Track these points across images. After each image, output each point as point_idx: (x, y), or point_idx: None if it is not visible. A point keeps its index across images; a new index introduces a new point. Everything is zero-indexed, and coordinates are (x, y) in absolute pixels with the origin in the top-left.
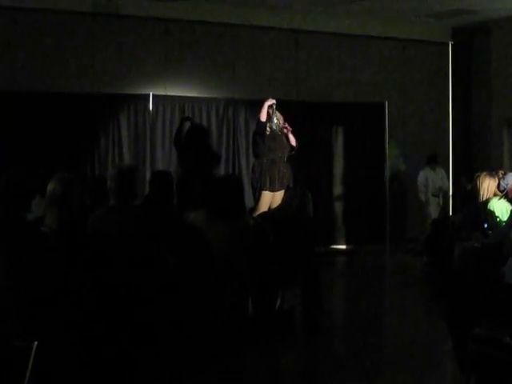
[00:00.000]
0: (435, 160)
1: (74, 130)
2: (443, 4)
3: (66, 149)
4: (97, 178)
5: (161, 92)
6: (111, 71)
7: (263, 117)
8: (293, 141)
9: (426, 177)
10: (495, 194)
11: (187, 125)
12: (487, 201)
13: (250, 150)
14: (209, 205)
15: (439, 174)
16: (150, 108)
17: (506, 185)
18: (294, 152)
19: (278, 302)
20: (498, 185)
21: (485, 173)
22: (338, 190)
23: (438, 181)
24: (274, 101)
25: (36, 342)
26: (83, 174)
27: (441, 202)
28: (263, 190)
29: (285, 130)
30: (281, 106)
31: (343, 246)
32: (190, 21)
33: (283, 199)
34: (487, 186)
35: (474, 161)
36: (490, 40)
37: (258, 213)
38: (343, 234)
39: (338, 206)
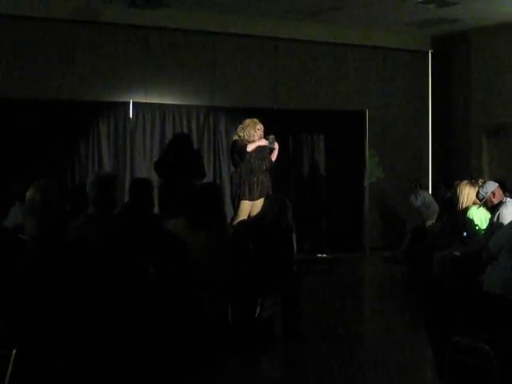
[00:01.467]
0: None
1: (53, 137)
2: (423, 13)
3: (45, 156)
4: (77, 186)
5: (141, 99)
6: (91, 79)
7: (249, 149)
8: (274, 157)
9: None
10: (474, 203)
11: None
12: (466, 209)
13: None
14: (188, 213)
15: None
16: (130, 115)
17: (485, 193)
18: (271, 164)
19: (258, 310)
20: (478, 193)
21: (465, 181)
22: (319, 197)
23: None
24: (268, 140)
25: (15, 350)
26: (63, 181)
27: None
28: (242, 199)
29: (274, 151)
30: (261, 114)
31: (323, 255)
32: (170, 28)
33: (262, 207)
34: (467, 194)
35: (454, 169)
36: (469, 48)
37: (237, 221)
38: (324, 242)
39: (320, 214)
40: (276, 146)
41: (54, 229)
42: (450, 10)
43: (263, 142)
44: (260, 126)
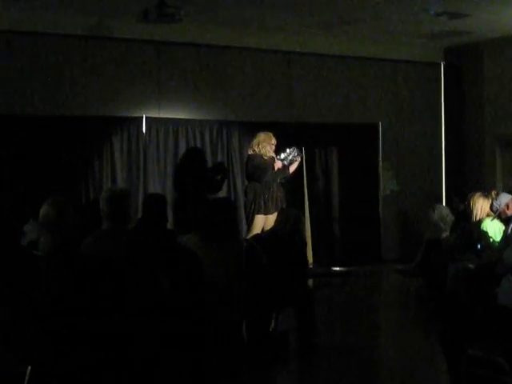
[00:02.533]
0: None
1: (67, 153)
2: (435, 25)
3: (59, 172)
4: (90, 201)
5: (154, 114)
6: (104, 94)
7: (277, 167)
8: (292, 169)
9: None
10: (488, 215)
11: None
12: (480, 221)
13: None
14: (202, 228)
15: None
16: (144, 130)
17: (499, 205)
18: (288, 176)
19: (272, 325)
20: (491, 205)
21: (478, 193)
22: (333, 211)
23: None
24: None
25: (30, 367)
26: (77, 197)
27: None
28: (257, 213)
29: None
30: (274, 128)
31: (338, 268)
32: (183, 43)
33: (276, 221)
34: (480, 206)
35: (467, 181)
36: (481, 60)
37: (251, 235)
38: (339, 255)
39: (334, 227)
40: (299, 158)
41: (68, 245)
42: (462, 21)
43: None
44: (274, 141)
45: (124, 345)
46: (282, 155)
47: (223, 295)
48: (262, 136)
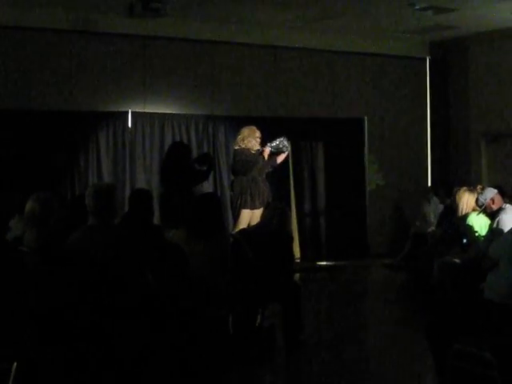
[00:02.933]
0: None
1: (52, 148)
2: (420, 20)
3: (44, 167)
4: (76, 197)
5: (140, 109)
6: (89, 88)
7: (266, 156)
8: (280, 159)
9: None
10: (474, 209)
11: None
12: (466, 216)
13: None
14: (188, 223)
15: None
16: (129, 125)
17: (485, 200)
18: (276, 165)
19: (258, 320)
20: (477, 200)
21: (464, 188)
22: (319, 205)
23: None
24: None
25: (15, 363)
26: (62, 193)
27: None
28: (243, 208)
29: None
30: (260, 122)
31: (325, 262)
32: (169, 37)
33: (263, 216)
34: (466, 200)
35: (453, 175)
36: (466, 55)
37: (237, 230)
38: (325, 249)
39: (321, 222)
40: (286, 150)
41: (54, 240)
42: (448, 16)
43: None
44: (258, 134)
45: (111, 340)
46: (272, 143)
47: (209, 290)
48: (246, 131)
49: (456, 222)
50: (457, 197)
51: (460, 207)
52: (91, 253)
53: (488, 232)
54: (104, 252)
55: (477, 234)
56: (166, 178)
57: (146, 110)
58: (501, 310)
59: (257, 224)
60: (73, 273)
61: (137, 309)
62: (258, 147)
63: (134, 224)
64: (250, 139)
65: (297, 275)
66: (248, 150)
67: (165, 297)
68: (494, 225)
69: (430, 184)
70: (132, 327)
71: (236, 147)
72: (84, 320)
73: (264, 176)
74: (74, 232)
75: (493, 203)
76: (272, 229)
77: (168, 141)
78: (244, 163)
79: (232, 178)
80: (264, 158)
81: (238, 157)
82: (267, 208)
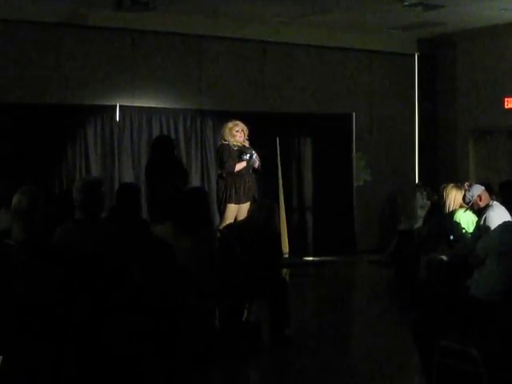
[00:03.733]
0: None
1: (40, 142)
2: (409, 16)
3: (32, 160)
4: (63, 191)
5: (128, 103)
6: (77, 82)
7: (237, 169)
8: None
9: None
10: (461, 206)
11: None
12: (453, 212)
13: None
14: (175, 217)
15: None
16: (117, 119)
17: (472, 196)
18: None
19: (245, 315)
20: (464, 196)
21: (451, 184)
22: (307, 201)
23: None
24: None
25: (1, 357)
26: (50, 186)
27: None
28: (229, 202)
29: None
30: (248, 117)
31: (312, 258)
32: (157, 31)
33: (249, 211)
34: (453, 197)
35: (440, 171)
36: (455, 51)
37: (224, 224)
38: (312, 245)
39: (308, 217)
40: (256, 165)
41: (41, 234)
42: (436, 13)
43: (243, 165)
44: (241, 127)
45: (97, 335)
46: (245, 157)
47: (196, 285)
48: (229, 125)
49: (443, 219)
50: (444, 193)
51: (447, 203)
52: (78, 247)
53: (475, 229)
54: (91, 246)
55: (464, 231)
56: (152, 172)
57: (134, 104)
58: (487, 306)
59: (244, 219)
60: (59, 267)
61: (124, 303)
62: (241, 141)
63: (121, 218)
64: (234, 133)
65: (284, 270)
66: (232, 145)
67: (152, 291)
68: (481, 222)
69: (417, 180)
70: (119, 321)
71: (221, 142)
72: (71, 314)
73: (250, 171)
74: (61, 226)
75: (480, 200)
76: (259, 224)
77: (156, 134)
78: (227, 159)
79: (219, 172)
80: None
81: (221, 152)
82: (254, 203)
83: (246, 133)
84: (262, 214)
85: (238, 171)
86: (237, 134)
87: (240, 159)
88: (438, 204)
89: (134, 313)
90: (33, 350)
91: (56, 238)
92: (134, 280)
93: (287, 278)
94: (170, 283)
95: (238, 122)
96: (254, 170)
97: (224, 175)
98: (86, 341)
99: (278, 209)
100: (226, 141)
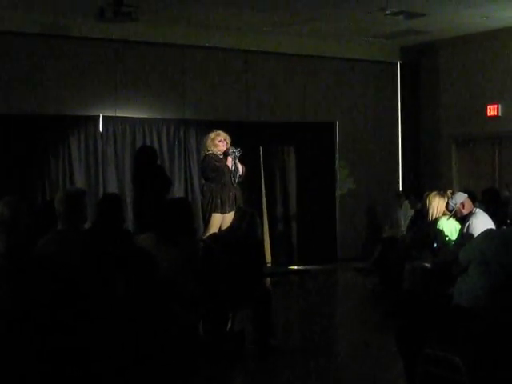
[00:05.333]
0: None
1: (23, 153)
2: (391, 24)
3: (16, 172)
4: (46, 202)
5: (111, 113)
6: (61, 93)
7: (229, 163)
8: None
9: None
10: (444, 214)
11: None
12: (436, 220)
13: None
14: (158, 227)
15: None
16: (101, 129)
17: (455, 204)
18: (241, 178)
19: (229, 324)
20: (447, 204)
21: (434, 192)
22: (290, 209)
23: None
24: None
25: None
26: (34, 198)
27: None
28: (214, 212)
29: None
30: (231, 127)
31: (296, 266)
32: (140, 42)
33: (233, 221)
34: (436, 205)
35: (424, 179)
36: (437, 59)
37: (208, 234)
38: (296, 253)
39: (292, 226)
40: (240, 169)
41: (23, 245)
42: (418, 21)
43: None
44: (223, 137)
45: (79, 345)
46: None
47: (179, 294)
48: (211, 136)
49: (426, 227)
50: (427, 201)
51: (430, 211)
52: (60, 257)
53: (458, 236)
54: (73, 257)
55: (447, 239)
56: (136, 183)
57: (118, 115)
58: (469, 314)
59: (227, 229)
60: (41, 277)
61: (106, 314)
62: (224, 150)
63: (103, 229)
64: (216, 143)
65: (268, 279)
66: (216, 155)
67: (134, 302)
68: (465, 229)
69: (400, 188)
70: (102, 332)
71: (205, 152)
72: (53, 325)
73: (236, 181)
74: (43, 237)
75: (463, 208)
76: (241, 233)
77: (139, 145)
78: (212, 169)
79: (202, 182)
80: (228, 166)
81: (206, 162)
82: (237, 212)
83: (229, 142)
84: (244, 224)
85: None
86: (219, 143)
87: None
88: (422, 212)
89: (116, 323)
90: (14, 359)
91: (38, 248)
92: (116, 290)
93: (271, 287)
94: (152, 293)
95: (219, 131)
96: (239, 176)
97: (209, 182)
98: (68, 350)
99: (261, 218)
100: (209, 151)
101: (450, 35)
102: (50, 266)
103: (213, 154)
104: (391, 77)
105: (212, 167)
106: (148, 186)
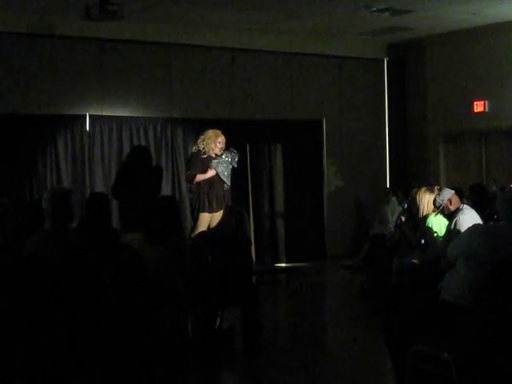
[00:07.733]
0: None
1: (10, 153)
2: (377, 21)
3: (2, 172)
4: (33, 201)
5: (98, 112)
6: (47, 92)
7: (197, 180)
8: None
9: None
10: (433, 210)
11: None
12: (426, 216)
13: None
14: (145, 226)
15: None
16: (87, 128)
17: (442, 201)
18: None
19: (217, 323)
20: (434, 200)
21: (423, 188)
22: (277, 207)
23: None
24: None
25: None
26: (21, 197)
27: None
28: (202, 211)
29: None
30: (218, 125)
31: (284, 264)
32: (126, 40)
33: (221, 218)
34: (427, 201)
35: (411, 176)
36: (424, 56)
37: (196, 233)
38: (284, 251)
39: (279, 224)
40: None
41: (11, 244)
42: (404, 18)
43: (210, 174)
44: (221, 139)
45: (66, 344)
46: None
47: (167, 293)
48: (209, 133)
49: (415, 223)
50: (417, 198)
51: (421, 208)
52: (47, 257)
53: (446, 233)
54: (60, 256)
55: (435, 235)
56: (125, 182)
57: (104, 113)
58: (457, 310)
59: (215, 227)
60: (30, 276)
61: (94, 313)
62: (216, 152)
63: (90, 228)
64: (209, 142)
65: (255, 278)
66: (203, 153)
67: (122, 300)
68: (452, 225)
69: (388, 185)
70: (90, 331)
71: (194, 149)
72: (42, 324)
73: (225, 179)
74: (30, 236)
75: (450, 204)
76: (230, 232)
77: (126, 144)
78: (195, 167)
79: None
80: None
81: (191, 160)
82: (225, 210)
83: (223, 147)
84: (232, 222)
85: (207, 179)
86: (219, 144)
87: (208, 168)
88: (409, 208)
89: (104, 322)
90: (4, 359)
91: (26, 248)
92: (103, 289)
93: (259, 285)
94: (140, 292)
95: (220, 132)
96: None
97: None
98: (57, 351)
99: (248, 216)
100: (204, 148)
101: (437, 32)
102: (38, 265)
103: (199, 152)
104: (378, 74)
105: (195, 163)
106: (143, 185)
